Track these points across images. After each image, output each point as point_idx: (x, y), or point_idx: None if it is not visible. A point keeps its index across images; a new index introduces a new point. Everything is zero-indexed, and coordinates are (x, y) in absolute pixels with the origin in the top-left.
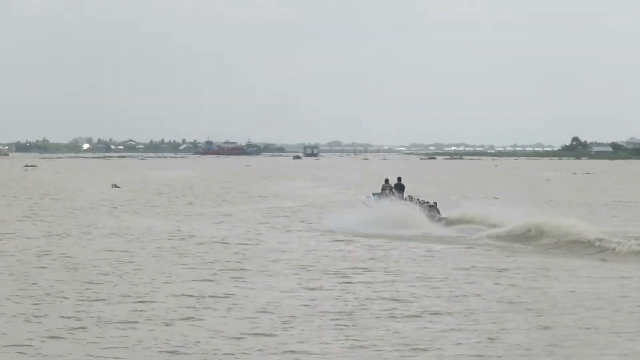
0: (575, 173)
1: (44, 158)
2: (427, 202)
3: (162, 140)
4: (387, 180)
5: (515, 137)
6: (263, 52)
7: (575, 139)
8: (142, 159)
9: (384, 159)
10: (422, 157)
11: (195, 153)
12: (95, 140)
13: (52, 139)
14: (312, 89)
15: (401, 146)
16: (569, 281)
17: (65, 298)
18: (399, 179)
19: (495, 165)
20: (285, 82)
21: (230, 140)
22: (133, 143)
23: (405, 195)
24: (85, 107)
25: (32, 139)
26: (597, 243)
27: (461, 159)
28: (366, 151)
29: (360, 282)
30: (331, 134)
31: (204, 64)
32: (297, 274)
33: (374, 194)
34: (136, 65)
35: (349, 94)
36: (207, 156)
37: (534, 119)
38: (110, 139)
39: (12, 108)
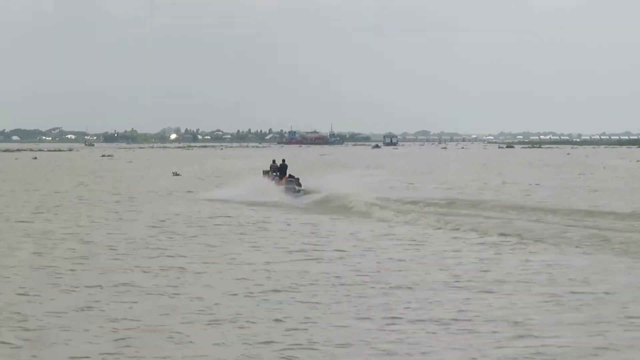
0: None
1: (125, 148)
2: (296, 178)
3: (249, 130)
4: (274, 161)
5: (604, 126)
6: (351, 46)
7: None
8: (221, 148)
9: (462, 148)
10: (501, 145)
11: (279, 143)
12: (182, 131)
13: (142, 130)
14: (402, 80)
15: (489, 135)
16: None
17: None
18: (283, 160)
19: (568, 154)
20: (374, 74)
21: (314, 130)
22: (220, 133)
23: (288, 173)
24: (176, 99)
25: (122, 130)
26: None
27: (540, 147)
28: (451, 140)
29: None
30: (420, 124)
31: (291, 58)
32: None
33: (263, 172)
34: (226, 60)
35: (439, 84)
36: (290, 146)
37: (623, 107)
38: (198, 129)
39: (103, 100)
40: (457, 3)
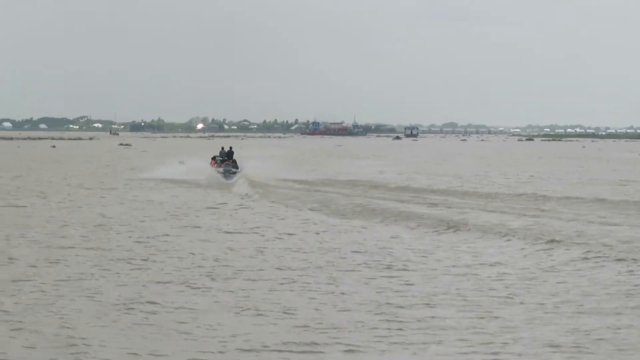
0: None
1: (147, 137)
2: (233, 161)
3: (275, 120)
4: (222, 148)
5: (633, 120)
6: (383, 36)
7: None
8: (242, 139)
9: (482, 140)
10: (521, 138)
11: (302, 133)
12: (210, 121)
13: (170, 120)
14: (432, 71)
15: (517, 127)
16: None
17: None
18: (230, 147)
19: (583, 147)
20: (404, 65)
21: (341, 121)
22: (247, 123)
23: (235, 158)
24: (205, 89)
25: (149, 119)
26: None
27: (560, 140)
28: (477, 132)
29: None
30: (448, 116)
31: (321, 49)
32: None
33: (212, 157)
34: (256, 51)
35: (470, 75)
36: (313, 136)
37: None
38: (224, 119)
39: (132, 89)
40: None
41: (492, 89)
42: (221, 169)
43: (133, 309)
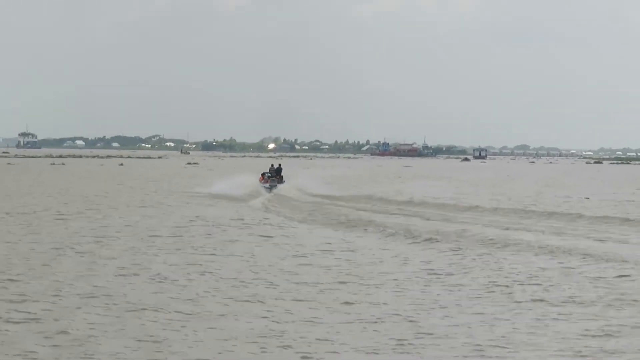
0: None
1: (217, 157)
2: (280, 177)
3: (347, 141)
4: (272, 165)
5: None
6: (454, 57)
7: None
8: (310, 159)
9: (550, 163)
10: (589, 161)
11: (372, 154)
12: (282, 141)
13: (242, 139)
14: (504, 93)
15: (589, 150)
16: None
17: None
18: (279, 164)
19: None
20: (476, 86)
21: (413, 142)
22: (318, 143)
23: (282, 174)
24: (279, 109)
25: (221, 139)
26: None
27: (628, 164)
28: (548, 155)
29: None
30: (521, 138)
31: (393, 69)
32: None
33: (262, 174)
34: (329, 70)
35: (542, 97)
36: (382, 157)
37: None
38: (296, 139)
39: (206, 108)
40: (563, 14)
41: (565, 111)
42: (267, 185)
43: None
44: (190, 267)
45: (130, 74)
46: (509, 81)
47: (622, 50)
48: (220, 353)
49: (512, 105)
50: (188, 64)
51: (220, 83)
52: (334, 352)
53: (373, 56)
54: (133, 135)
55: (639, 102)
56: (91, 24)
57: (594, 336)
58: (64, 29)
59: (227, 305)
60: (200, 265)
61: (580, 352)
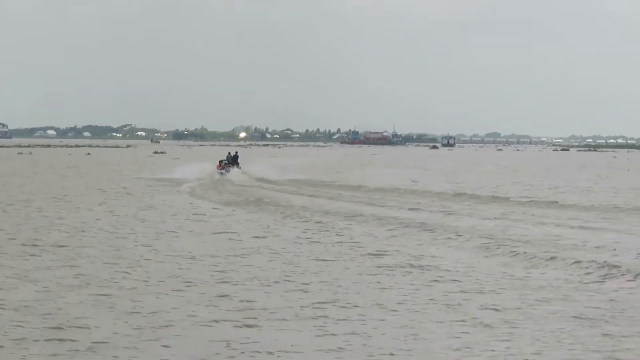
0: None
1: (187, 146)
2: (237, 163)
3: (317, 129)
4: (229, 153)
5: None
6: (428, 47)
7: None
8: (279, 147)
9: (518, 150)
10: (556, 149)
11: (342, 143)
12: (253, 130)
13: (214, 128)
14: (477, 81)
15: (559, 138)
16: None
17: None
18: (236, 152)
19: (614, 157)
20: (449, 75)
21: (385, 130)
22: (289, 132)
23: (239, 162)
24: (251, 98)
25: (193, 128)
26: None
27: (595, 151)
28: (518, 142)
29: None
30: (493, 126)
31: (368, 59)
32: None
33: (219, 161)
34: (303, 61)
35: (515, 86)
36: (352, 145)
37: None
38: (267, 128)
39: (177, 98)
40: (535, 3)
41: (537, 100)
42: (223, 170)
43: None
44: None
45: (103, 64)
46: (482, 70)
47: (596, 39)
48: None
49: (485, 94)
50: (162, 55)
51: (192, 73)
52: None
53: (348, 45)
54: (105, 125)
55: (610, 91)
56: (65, 15)
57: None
58: (38, 20)
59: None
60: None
61: None
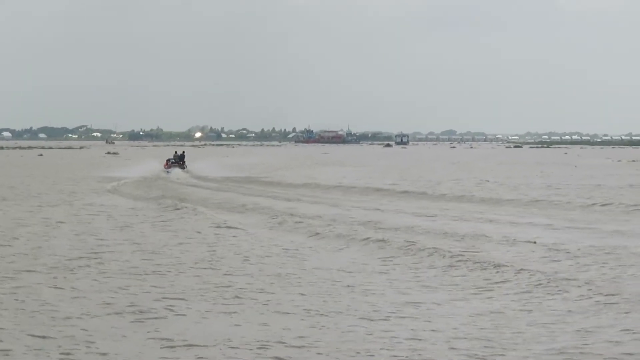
0: (620, 161)
1: (141, 146)
2: (182, 162)
3: (273, 129)
4: (176, 152)
5: (633, 126)
6: (382, 43)
7: None
8: (232, 147)
9: (471, 147)
10: (509, 145)
11: (297, 142)
12: (208, 129)
13: (170, 129)
14: (431, 78)
15: (515, 135)
16: None
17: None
18: (183, 152)
19: (565, 153)
20: (404, 72)
21: (340, 129)
22: (245, 132)
23: (185, 161)
24: (206, 98)
25: (149, 128)
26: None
27: (547, 147)
28: (473, 139)
29: None
30: (449, 123)
31: (322, 58)
32: None
33: (167, 160)
34: (257, 59)
35: (469, 83)
36: (306, 144)
37: None
38: (222, 128)
39: (132, 99)
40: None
41: (493, 96)
42: (169, 169)
43: None
44: None
45: (58, 65)
46: (437, 67)
47: (551, 33)
48: None
49: (441, 91)
50: (118, 55)
51: (148, 73)
52: None
53: (304, 43)
54: (60, 127)
55: (565, 86)
56: (19, 15)
57: None
58: None
59: None
60: None
61: None
